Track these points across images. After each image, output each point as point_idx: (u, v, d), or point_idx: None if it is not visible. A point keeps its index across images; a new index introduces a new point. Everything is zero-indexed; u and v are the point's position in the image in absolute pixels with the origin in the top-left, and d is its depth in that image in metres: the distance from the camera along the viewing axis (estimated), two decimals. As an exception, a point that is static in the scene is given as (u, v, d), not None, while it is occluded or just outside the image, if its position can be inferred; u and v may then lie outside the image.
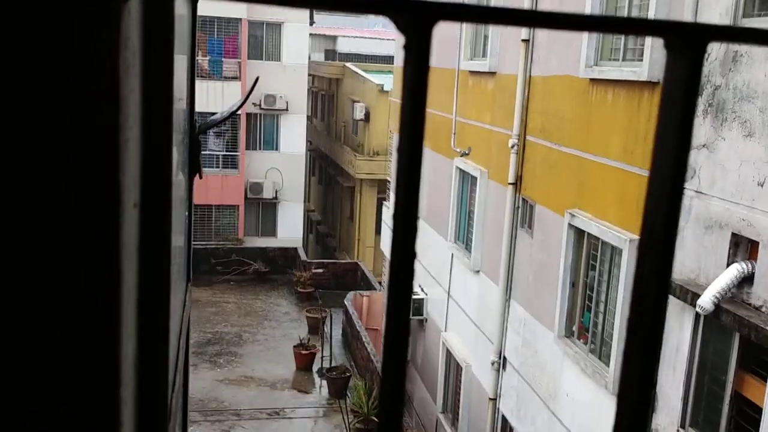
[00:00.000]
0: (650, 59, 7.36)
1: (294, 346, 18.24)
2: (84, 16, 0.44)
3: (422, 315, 14.86)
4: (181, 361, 1.50)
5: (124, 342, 0.54)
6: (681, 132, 0.58)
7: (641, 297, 0.54)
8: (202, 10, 25.44)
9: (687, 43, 0.56)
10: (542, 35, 10.10)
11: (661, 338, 0.55)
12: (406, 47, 0.52)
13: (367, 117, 26.27)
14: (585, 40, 8.71)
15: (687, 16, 6.89)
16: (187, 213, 1.82)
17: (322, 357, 17.93)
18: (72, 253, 0.48)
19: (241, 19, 25.49)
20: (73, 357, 0.50)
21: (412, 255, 0.55)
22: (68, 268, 0.48)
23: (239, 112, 25.49)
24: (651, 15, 7.43)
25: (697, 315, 6.60)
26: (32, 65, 0.46)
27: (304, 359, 18.01)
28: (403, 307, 0.53)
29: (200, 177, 1.94)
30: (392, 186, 18.20)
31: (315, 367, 18.05)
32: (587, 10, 8.67)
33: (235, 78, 25.63)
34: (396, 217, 0.56)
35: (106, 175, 0.47)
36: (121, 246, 0.50)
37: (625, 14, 8.22)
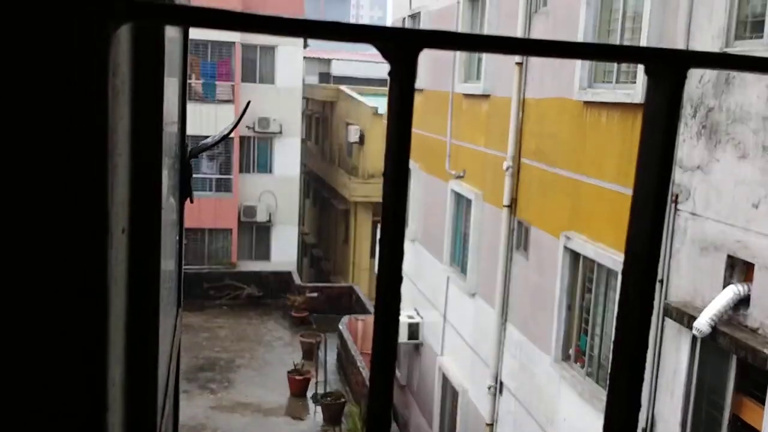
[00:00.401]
0: (644, 81, 7.42)
1: (288, 372, 18.09)
2: (73, 44, 0.44)
3: (418, 339, 14.79)
4: (171, 387, 1.49)
5: (111, 367, 0.54)
6: (663, 155, 0.58)
7: (626, 315, 0.55)
8: (196, 33, 25.59)
9: (667, 69, 0.57)
10: (536, 58, 10.19)
11: (646, 354, 0.55)
12: (390, 74, 0.53)
13: (361, 140, 26.36)
14: (578, 63, 8.79)
15: (679, 39, 6.96)
16: (177, 237, 1.82)
17: (316, 382, 17.78)
18: (58, 278, 0.48)
19: (234, 42, 25.63)
20: (59, 380, 0.50)
21: (399, 278, 0.55)
22: (54, 292, 0.48)
23: (232, 135, 25.56)
24: (643, 37, 7.51)
25: (694, 338, 6.58)
26: (21, 91, 0.46)
27: (299, 385, 17.86)
28: (391, 331, 0.53)
29: (191, 201, 1.93)
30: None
31: (309, 393, 17.90)
32: (580, 34, 8.76)
33: (228, 101, 25.72)
34: (383, 240, 0.56)
35: (94, 201, 0.47)
36: (108, 271, 0.50)
37: (618, 36, 8.30)
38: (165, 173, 1.39)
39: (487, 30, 11.61)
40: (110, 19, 0.45)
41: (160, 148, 0.78)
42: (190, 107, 28.64)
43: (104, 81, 0.45)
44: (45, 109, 0.45)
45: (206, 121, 24.81)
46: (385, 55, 0.53)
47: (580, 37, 8.76)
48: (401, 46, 0.53)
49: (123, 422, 0.65)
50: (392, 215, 0.54)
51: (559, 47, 0.58)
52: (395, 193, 0.54)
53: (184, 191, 1.82)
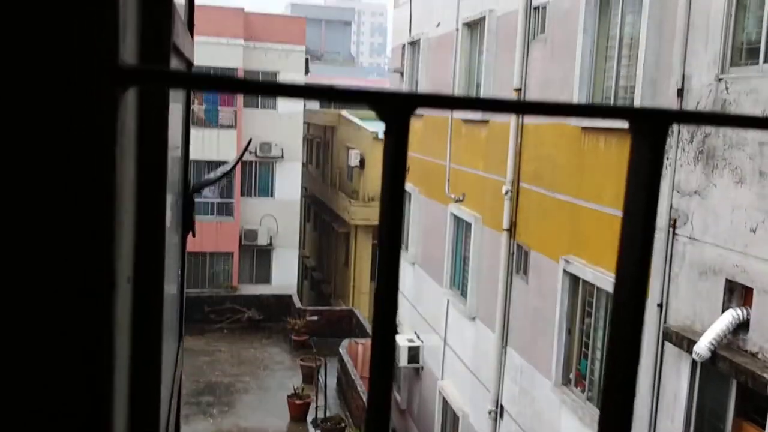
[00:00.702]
0: (641, 107, 7.47)
1: (288, 396, 18.00)
2: (80, 110, 0.47)
3: (418, 363, 14.73)
4: (171, 423, 1.50)
5: (116, 416, 0.56)
6: (646, 210, 0.61)
7: (616, 345, 0.57)
8: (198, 59, 25.82)
9: (650, 126, 0.59)
10: (534, 84, 10.27)
11: (637, 375, 0.57)
12: (386, 133, 0.55)
13: (362, 164, 26.45)
14: (576, 88, 8.86)
15: (676, 65, 7.03)
16: (179, 272, 1.84)
17: (316, 407, 17.67)
18: (63, 336, 0.49)
19: (237, 68, 25.83)
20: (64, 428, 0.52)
21: (393, 333, 0.58)
22: (61, 344, 0.50)
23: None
24: (640, 63, 7.57)
25: (694, 362, 6.57)
26: (32, 156, 0.48)
27: (299, 409, 17.75)
28: (388, 360, 0.55)
29: (194, 236, 1.96)
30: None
31: (309, 418, 17.78)
32: (577, 60, 8.84)
33: (230, 126, 25.86)
34: (377, 299, 0.58)
35: (101, 257, 0.49)
36: (113, 322, 0.52)
37: (615, 62, 8.37)
38: (168, 211, 1.42)
39: (486, 57, 11.71)
40: (117, 84, 0.48)
41: (164, 198, 0.81)
42: (193, 132, 28.76)
43: (113, 140, 0.48)
44: (53, 175, 0.47)
45: (209, 146, 24.93)
46: (380, 116, 0.56)
47: (577, 64, 8.84)
48: (395, 107, 0.55)
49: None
50: (387, 271, 0.56)
51: (544, 107, 0.61)
52: (390, 248, 0.57)
53: (186, 226, 1.84)
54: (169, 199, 1.39)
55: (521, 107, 0.57)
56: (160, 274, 0.79)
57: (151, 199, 0.72)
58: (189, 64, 1.66)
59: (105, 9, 0.47)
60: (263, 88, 0.53)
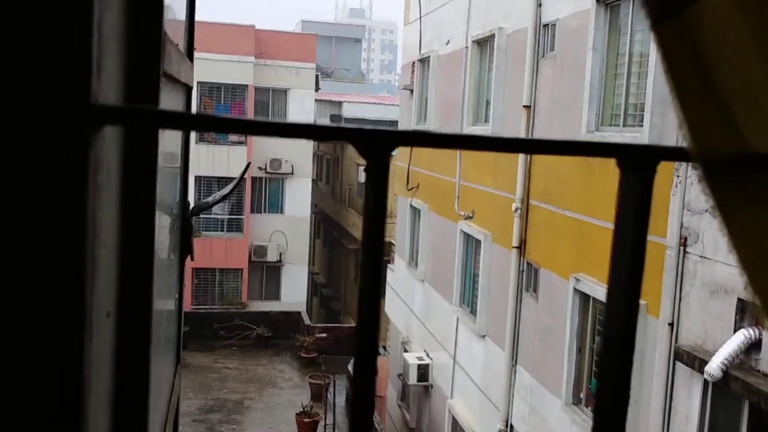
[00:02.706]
0: (650, 124, 7.45)
1: (296, 414, 17.92)
2: (51, 148, 0.46)
3: (428, 381, 14.64)
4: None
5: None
6: (635, 246, 0.60)
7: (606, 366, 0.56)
8: (209, 76, 25.79)
9: (638, 163, 0.58)
10: (543, 101, 10.27)
11: (630, 378, 0.56)
12: (366, 170, 0.55)
13: (371, 180, 26.48)
14: (586, 105, 8.85)
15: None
16: (177, 296, 1.83)
17: (325, 425, 17.59)
18: (35, 363, 0.49)
19: (247, 85, 26.00)
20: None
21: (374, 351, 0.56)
22: (30, 380, 0.49)
23: (244, 176, 25.75)
24: (650, 81, 7.55)
25: (706, 382, 6.49)
26: (3, 185, 0.47)
27: (307, 427, 17.67)
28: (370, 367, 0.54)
29: (192, 259, 1.95)
30: (396, 248, 18.05)
31: (319, 435, 17.69)
32: (587, 78, 8.83)
33: (241, 143, 25.98)
34: (359, 324, 0.57)
35: (70, 294, 0.48)
36: (85, 362, 0.51)
37: (624, 80, 8.36)
38: (166, 234, 1.41)
39: (495, 74, 11.74)
40: (88, 124, 0.47)
41: (152, 232, 0.80)
42: (204, 149, 28.77)
43: (83, 181, 0.47)
44: (24, 211, 0.46)
45: (219, 162, 25.05)
46: (361, 153, 0.55)
47: (587, 81, 8.84)
48: (375, 145, 0.55)
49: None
50: (367, 295, 0.55)
51: (531, 144, 0.60)
52: (371, 275, 0.56)
53: (185, 249, 1.84)
54: (165, 223, 1.38)
55: (503, 144, 0.57)
56: (148, 308, 0.78)
57: (137, 233, 0.71)
58: (188, 89, 1.66)
59: (76, 46, 0.46)
60: (239, 126, 0.52)
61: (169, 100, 1.25)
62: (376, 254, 0.54)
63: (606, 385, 0.54)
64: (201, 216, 25.21)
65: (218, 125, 0.48)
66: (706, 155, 0.56)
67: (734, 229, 0.57)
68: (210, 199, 2.44)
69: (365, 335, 0.52)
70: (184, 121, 0.47)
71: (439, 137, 0.55)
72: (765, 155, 0.51)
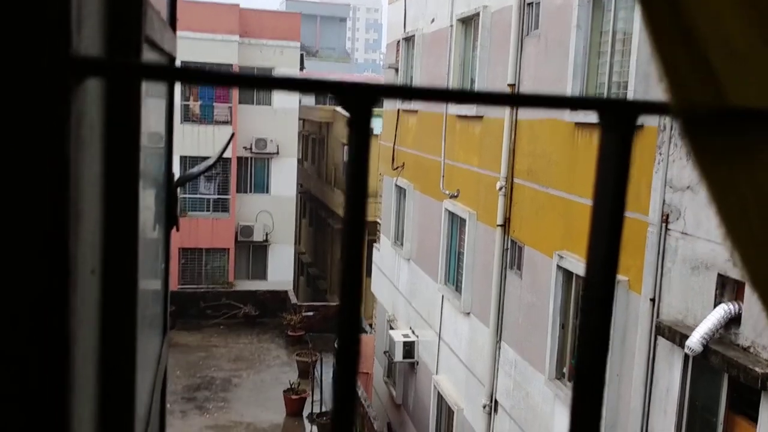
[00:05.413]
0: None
1: (284, 391, 18.02)
2: (33, 100, 0.46)
3: (413, 358, 14.75)
4: (155, 417, 1.49)
5: (77, 408, 0.55)
6: (615, 202, 0.61)
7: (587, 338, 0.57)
8: (193, 55, 25.55)
9: (618, 117, 0.59)
10: (528, 79, 10.27)
11: (607, 353, 0.57)
12: (349, 123, 0.56)
13: (357, 160, 26.44)
14: (570, 83, 8.86)
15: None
16: (164, 265, 1.83)
17: (312, 402, 17.70)
18: (17, 315, 0.49)
19: (232, 65, 25.78)
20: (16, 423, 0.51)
21: (357, 320, 0.57)
22: (14, 334, 0.50)
23: (230, 156, 25.62)
24: (633, 59, 7.58)
25: (686, 356, 6.59)
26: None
27: (295, 404, 17.78)
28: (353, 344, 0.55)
29: (177, 230, 1.95)
30: (382, 228, 18.06)
31: (305, 412, 17.81)
32: (571, 55, 8.84)
33: (226, 122, 25.81)
34: (342, 286, 0.57)
35: (53, 244, 0.49)
36: (70, 313, 0.51)
37: (608, 57, 8.37)
38: (150, 202, 1.41)
39: (480, 52, 11.71)
40: (70, 75, 0.47)
41: (136, 186, 0.80)
42: (189, 128, 28.58)
43: (65, 134, 0.47)
44: (3, 161, 0.47)
45: (204, 142, 24.89)
46: (343, 106, 0.56)
47: (570, 59, 8.84)
48: (358, 98, 0.56)
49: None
50: (349, 259, 0.56)
51: (515, 98, 0.60)
52: (353, 233, 0.56)
53: (170, 219, 1.84)
54: (150, 192, 1.38)
55: (486, 98, 0.57)
56: (133, 266, 0.78)
57: (122, 190, 0.71)
58: (171, 59, 1.65)
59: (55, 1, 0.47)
60: (230, 80, 0.52)
61: (157, 59, 1.25)
62: (358, 208, 0.55)
63: (587, 325, 0.55)
64: (187, 196, 25.09)
65: (200, 78, 0.49)
66: (684, 109, 0.57)
67: (714, 183, 0.58)
68: (195, 169, 2.44)
69: (350, 274, 0.52)
70: (166, 74, 0.48)
71: (422, 91, 0.55)
72: (742, 108, 0.52)
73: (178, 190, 2.06)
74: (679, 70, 0.53)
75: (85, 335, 0.60)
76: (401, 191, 15.95)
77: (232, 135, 3.38)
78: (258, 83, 0.53)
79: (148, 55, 1.02)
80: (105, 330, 0.70)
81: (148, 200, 1.25)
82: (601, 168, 0.62)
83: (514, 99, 0.59)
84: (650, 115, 0.61)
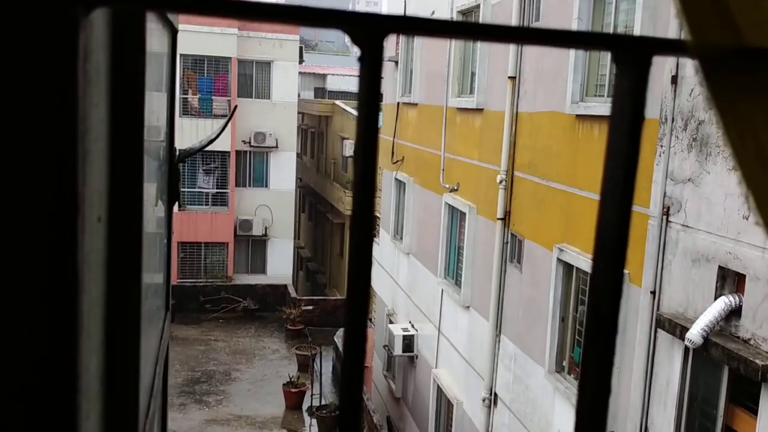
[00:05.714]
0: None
1: (283, 385, 18.03)
2: (40, 28, 0.45)
3: (413, 351, 14.75)
4: (157, 388, 1.49)
5: (84, 354, 0.54)
6: (630, 139, 0.60)
7: (596, 307, 0.55)
8: (192, 49, 25.52)
9: (634, 55, 0.58)
10: (529, 72, 10.25)
11: (615, 342, 0.56)
12: (360, 59, 0.54)
13: (356, 154, 26.43)
14: (570, 76, 8.84)
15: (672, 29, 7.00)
16: (166, 241, 1.82)
17: (312, 395, 17.72)
18: (26, 260, 0.48)
19: (230, 57, 25.73)
20: (26, 371, 0.50)
21: (367, 289, 0.56)
22: (22, 277, 0.49)
23: (228, 149, 25.59)
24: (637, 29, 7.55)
25: (687, 349, 6.59)
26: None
27: (294, 398, 17.79)
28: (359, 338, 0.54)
29: (179, 207, 1.94)
30: (381, 222, 18.06)
31: (305, 406, 17.82)
32: (571, 58, 8.81)
33: (225, 116, 25.76)
34: (352, 236, 0.56)
35: (63, 185, 0.47)
36: (79, 257, 0.50)
37: (609, 54, 8.35)
38: (152, 174, 1.40)
39: (480, 45, 11.68)
40: (79, 2, 0.46)
41: (141, 138, 0.79)
42: (188, 122, 28.61)
43: (73, 66, 0.46)
44: (11, 93, 0.46)
45: (203, 135, 24.80)
46: (354, 40, 0.54)
47: (571, 51, 8.82)
48: (369, 28, 0.54)
49: (100, 413, 0.65)
50: (361, 205, 0.55)
51: (525, 33, 0.59)
52: (364, 183, 0.55)
53: (173, 195, 1.83)
54: (153, 166, 1.37)
55: (497, 32, 0.56)
56: (139, 213, 0.77)
57: (126, 135, 0.70)
58: (173, 32, 1.64)
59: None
60: (226, 7, 0.51)
61: (156, 43, 1.24)
62: (370, 143, 0.54)
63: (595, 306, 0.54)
64: (186, 190, 25.07)
65: (206, 6, 0.47)
66: (702, 48, 0.56)
67: (730, 125, 0.57)
68: (196, 144, 2.43)
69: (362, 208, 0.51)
70: (171, 2, 0.47)
71: (434, 23, 0.54)
72: (759, 49, 0.52)
73: (180, 166, 2.05)
74: (697, 9, 0.52)
75: (92, 282, 0.59)
76: (401, 185, 15.93)
77: (235, 108, 3.37)
78: (262, 13, 0.51)
79: (151, 23, 1.00)
80: (111, 274, 0.69)
81: (152, 171, 1.24)
82: (616, 105, 0.60)
83: (525, 34, 0.57)
84: (666, 54, 0.60)
